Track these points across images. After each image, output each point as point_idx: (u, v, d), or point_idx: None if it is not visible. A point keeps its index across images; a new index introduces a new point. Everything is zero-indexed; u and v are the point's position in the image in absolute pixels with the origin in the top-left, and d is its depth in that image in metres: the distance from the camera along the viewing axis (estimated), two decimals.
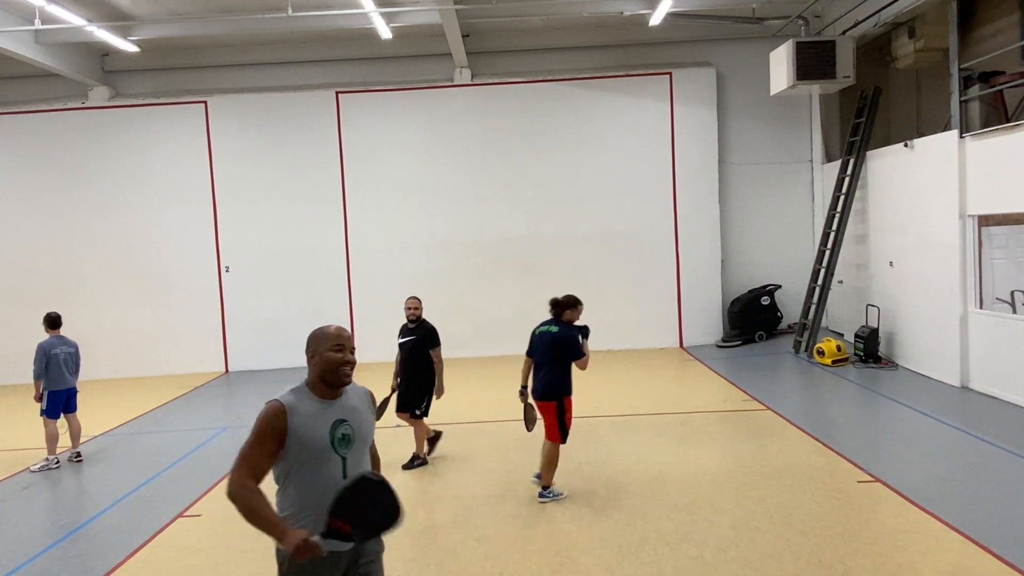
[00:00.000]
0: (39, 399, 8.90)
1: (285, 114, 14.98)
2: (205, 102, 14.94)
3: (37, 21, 11.01)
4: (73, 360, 9.14)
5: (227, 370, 15.08)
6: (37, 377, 8.86)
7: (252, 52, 15.05)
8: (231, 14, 12.60)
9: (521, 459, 8.26)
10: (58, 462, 8.97)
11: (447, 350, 14.58)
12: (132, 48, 13.34)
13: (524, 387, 7.31)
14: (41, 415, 8.95)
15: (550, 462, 7.02)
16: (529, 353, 7.21)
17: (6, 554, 6.42)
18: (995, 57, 10.30)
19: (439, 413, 10.31)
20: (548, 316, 7.17)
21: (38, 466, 8.87)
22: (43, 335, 9.04)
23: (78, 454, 9.21)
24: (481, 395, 11.76)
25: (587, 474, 7.68)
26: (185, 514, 7.14)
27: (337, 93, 14.94)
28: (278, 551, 3.35)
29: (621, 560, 5.66)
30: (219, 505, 7.32)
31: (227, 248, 15.07)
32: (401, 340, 8.36)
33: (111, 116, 14.97)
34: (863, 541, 5.77)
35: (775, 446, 8.26)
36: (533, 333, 7.22)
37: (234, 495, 3.24)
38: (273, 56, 15.09)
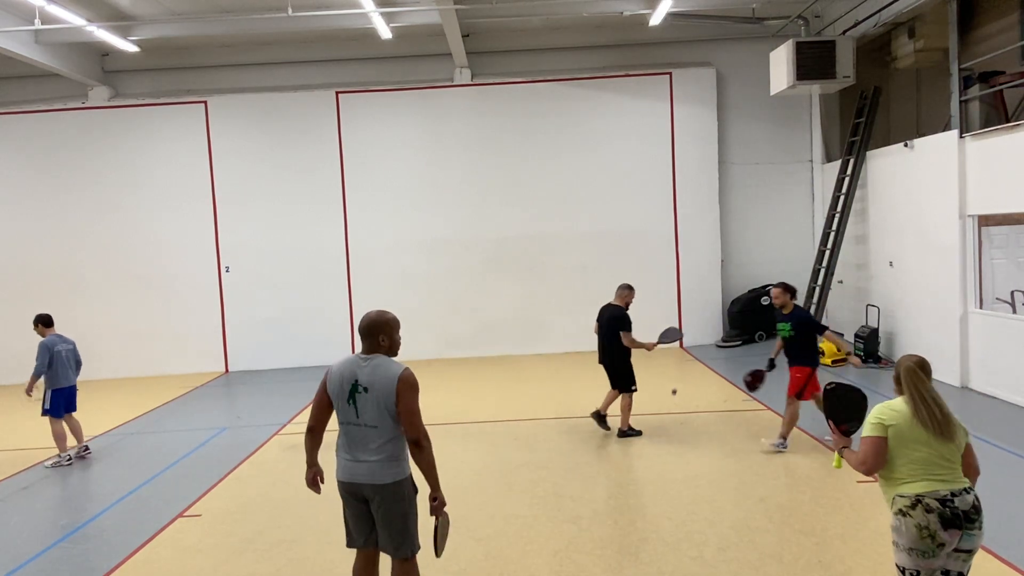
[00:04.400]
0: (30, 392, 8.87)
1: (285, 114, 14.98)
2: (205, 102, 14.95)
3: (37, 21, 11.00)
4: (74, 357, 9.17)
5: (227, 370, 15.07)
6: (38, 374, 8.85)
7: (252, 52, 15.05)
8: (231, 14, 12.60)
9: (521, 458, 8.27)
10: (70, 458, 9.00)
11: (446, 350, 14.87)
12: (132, 48, 13.34)
13: None
14: (44, 415, 8.96)
15: None
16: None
17: (6, 554, 6.41)
18: (995, 57, 10.30)
19: (439, 413, 10.31)
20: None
21: (51, 462, 8.91)
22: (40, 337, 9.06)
23: (86, 447, 9.29)
24: (480, 395, 11.75)
25: (587, 474, 7.69)
26: (185, 514, 7.13)
27: (337, 93, 14.94)
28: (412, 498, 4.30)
29: (621, 560, 5.66)
30: (219, 505, 7.33)
31: (227, 248, 15.07)
32: None
33: (111, 116, 14.98)
34: (863, 541, 5.77)
35: None
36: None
37: (429, 444, 4.13)
38: (273, 56, 15.09)
